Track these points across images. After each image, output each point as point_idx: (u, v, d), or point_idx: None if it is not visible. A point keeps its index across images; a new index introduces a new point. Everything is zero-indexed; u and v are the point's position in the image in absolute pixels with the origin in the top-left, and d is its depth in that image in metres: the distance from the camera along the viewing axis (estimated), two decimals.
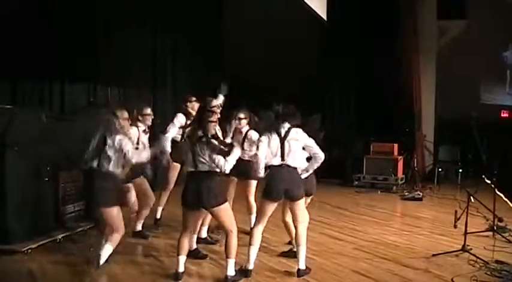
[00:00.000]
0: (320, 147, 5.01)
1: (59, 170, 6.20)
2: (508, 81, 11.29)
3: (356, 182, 10.46)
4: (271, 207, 4.88)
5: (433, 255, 5.55)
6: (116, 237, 4.88)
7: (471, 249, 5.52)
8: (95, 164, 4.77)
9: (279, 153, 4.82)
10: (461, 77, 10.95)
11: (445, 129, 11.26)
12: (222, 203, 4.65)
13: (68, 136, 6.17)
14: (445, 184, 9.92)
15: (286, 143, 4.82)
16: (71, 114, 7.29)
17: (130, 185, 5.89)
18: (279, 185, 4.78)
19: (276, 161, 4.82)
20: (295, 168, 4.87)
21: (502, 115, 11.13)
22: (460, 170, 9.66)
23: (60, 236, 5.90)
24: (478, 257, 5.29)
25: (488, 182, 6.38)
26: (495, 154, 8.21)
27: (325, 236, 6.36)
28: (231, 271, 4.64)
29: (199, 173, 4.61)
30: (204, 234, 5.90)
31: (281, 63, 11.50)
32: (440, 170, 10.21)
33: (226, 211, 4.69)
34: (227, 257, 4.65)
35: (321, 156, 4.93)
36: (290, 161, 4.82)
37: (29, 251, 5.43)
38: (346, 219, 7.53)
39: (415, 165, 10.51)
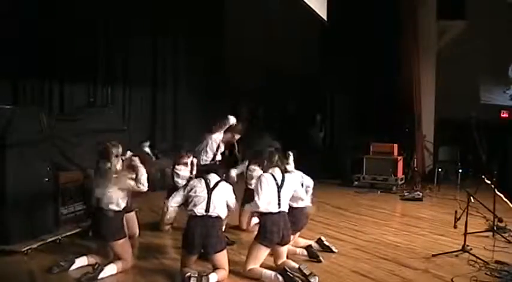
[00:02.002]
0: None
1: (59, 170, 6.20)
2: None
3: (356, 182, 10.45)
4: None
5: (433, 255, 5.55)
6: (125, 264, 4.95)
7: (471, 249, 5.53)
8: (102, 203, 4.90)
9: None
10: (461, 77, 10.94)
11: (445, 129, 11.25)
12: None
13: (68, 136, 6.20)
14: (445, 184, 9.91)
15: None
16: (71, 114, 7.30)
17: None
18: None
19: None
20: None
21: (501, 115, 11.13)
22: (460, 170, 9.66)
23: (60, 236, 5.90)
24: (477, 257, 5.29)
25: (488, 182, 6.38)
26: (495, 154, 8.22)
27: (325, 237, 6.34)
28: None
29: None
30: None
31: (281, 63, 11.51)
32: (440, 170, 10.20)
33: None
34: (215, 269, 4.74)
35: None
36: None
37: (29, 251, 5.43)
38: (346, 219, 7.53)
39: (415, 165, 10.51)
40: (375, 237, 6.42)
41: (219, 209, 4.81)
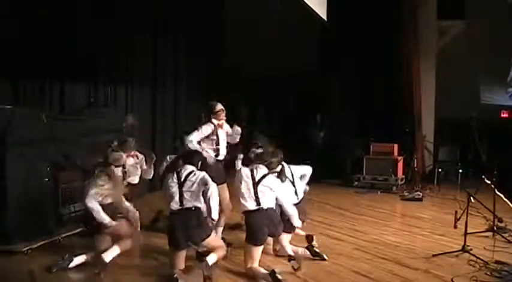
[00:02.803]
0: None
1: (59, 170, 6.20)
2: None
3: (356, 183, 10.45)
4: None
5: (433, 255, 5.55)
6: (126, 243, 5.02)
7: (471, 249, 5.52)
8: None
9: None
10: (461, 77, 10.94)
11: (445, 129, 11.25)
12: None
13: (68, 136, 6.20)
14: (445, 184, 9.91)
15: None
16: (71, 114, 7.30)
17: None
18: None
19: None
20: None
21: (502, 115, 11.13)
22: (460, 170, 9.66)
23: (60, 237, 5.90)
24: (478, 257, 5.29)
25: (488, 182, 6.37)
26: (495, 154, 8.22)
27: (325, 237, 6.35)
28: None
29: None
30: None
31: (281, 63, 11.51)
32: (440, 170, 10.20)
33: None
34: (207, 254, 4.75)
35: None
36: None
37: (29, 251, 5.44)
38: (346, 219, 7.53)
39: (415, 165, 10.50)
40: (375, 238, 6.42)
41: (194, 200, 4.76)
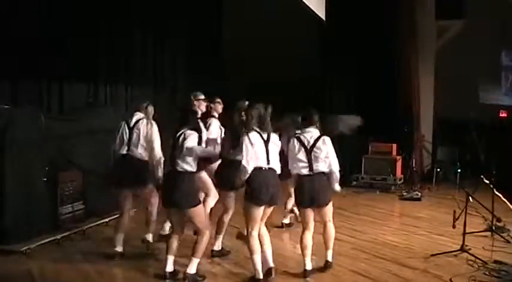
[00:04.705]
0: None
1: (57, 170, 6.20)
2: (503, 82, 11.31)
3: (354, 182, 10.45)
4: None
5: (432, 255, 5.56)
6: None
7: (470, 249, 5.54)
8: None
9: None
10: (460, 77, 10.93)
11: (444, 129, 11.25)
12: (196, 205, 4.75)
13: (67, 136, 6.20)
14: (444, 184, 9.92)
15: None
16: (70, 114, 7.30)
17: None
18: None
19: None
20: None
21: (500, 115, 11.13)
22: (459, 170, 9.66)
23: (59, 236, 5.91)
24: (476, 257, 5.30)
25: (487, 182, 6.37)
26: (493, 154, 8.22)
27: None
28: (192, 269, 4.71)
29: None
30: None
31: (281, 63, 11.50)
32: (438, 170, 10.20)
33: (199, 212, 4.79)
34: (192, 254, 4.72)
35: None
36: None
37: (28, 251, 5.44)
38: (345, 219, 7.53)
39: (414, 165, 10.50)
40: (374, 237, 6.43)
41: (185, 163, 4.73)
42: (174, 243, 4.83)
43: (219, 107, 6.32)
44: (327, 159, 4.91)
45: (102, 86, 8.27)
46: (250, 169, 4.67)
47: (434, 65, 11.55)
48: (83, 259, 5.39)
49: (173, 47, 10.04)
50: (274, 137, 4.89)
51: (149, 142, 5.53)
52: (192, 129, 4.90)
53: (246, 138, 4.73)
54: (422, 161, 11.39)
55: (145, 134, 5.55)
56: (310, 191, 4.88)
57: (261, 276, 4.72)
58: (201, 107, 6.08)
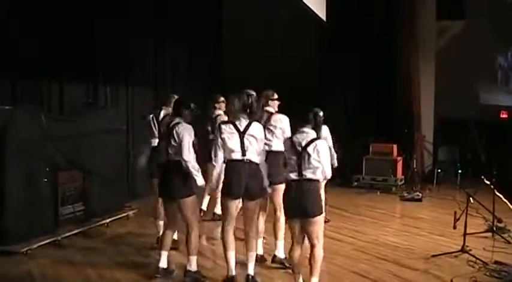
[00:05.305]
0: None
1: (58, 170, 6.20)
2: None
3: (355, 183, 10.44)
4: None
5: (433, 256, 5.56)
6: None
7: (470, 250, 5.53)
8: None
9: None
10: (460, 78, 10.94)
11: (444, 129, 11.25)
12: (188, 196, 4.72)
13: (67, 136, 6.19)
14: (445, 185, 9.91)
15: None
16: (70, 114, 7.29)
17: None
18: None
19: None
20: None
21: (501, 115, 11.12)
22: (460, 171, 9.65)
23: (59, 237, 5.90)
24: (477, 258, 5.29)
25: (488, 182, 6.36)
26: (494, 155, 8.22)
27: (324, 237, 6.32)
28: (191, 267, 4.71)
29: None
30: None
31: (281, 63, 11.49)
32: (439, 170, 10.20)
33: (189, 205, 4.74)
34: (188, 254, 4.71)
35: None
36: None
37: (28, 251, 5.43)
38: (345, 219, 7.53)
39: (415, 165, 10.49)
40: (374, 238, 6.42)
41: (182, 153, 4.66)
42: (168, 238, 4.85)
43: (223, 105, 6.75)
44: (319, 165, 4.28)
45: (102, 86, 8.26)
46: (219, 160, 4.57)
47: (435, 65, 11.54)
48: (83, 260, 5.38)
49: (173, 47, 10.03)
50: (256, 128, 4.60)
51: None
52: (187, 123, 4.82)
53: (216, 130, 4.67)
54: (423, 161, 11.39)
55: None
56: (297, 199, 4.25)
57: (234, 273, 4.58)
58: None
